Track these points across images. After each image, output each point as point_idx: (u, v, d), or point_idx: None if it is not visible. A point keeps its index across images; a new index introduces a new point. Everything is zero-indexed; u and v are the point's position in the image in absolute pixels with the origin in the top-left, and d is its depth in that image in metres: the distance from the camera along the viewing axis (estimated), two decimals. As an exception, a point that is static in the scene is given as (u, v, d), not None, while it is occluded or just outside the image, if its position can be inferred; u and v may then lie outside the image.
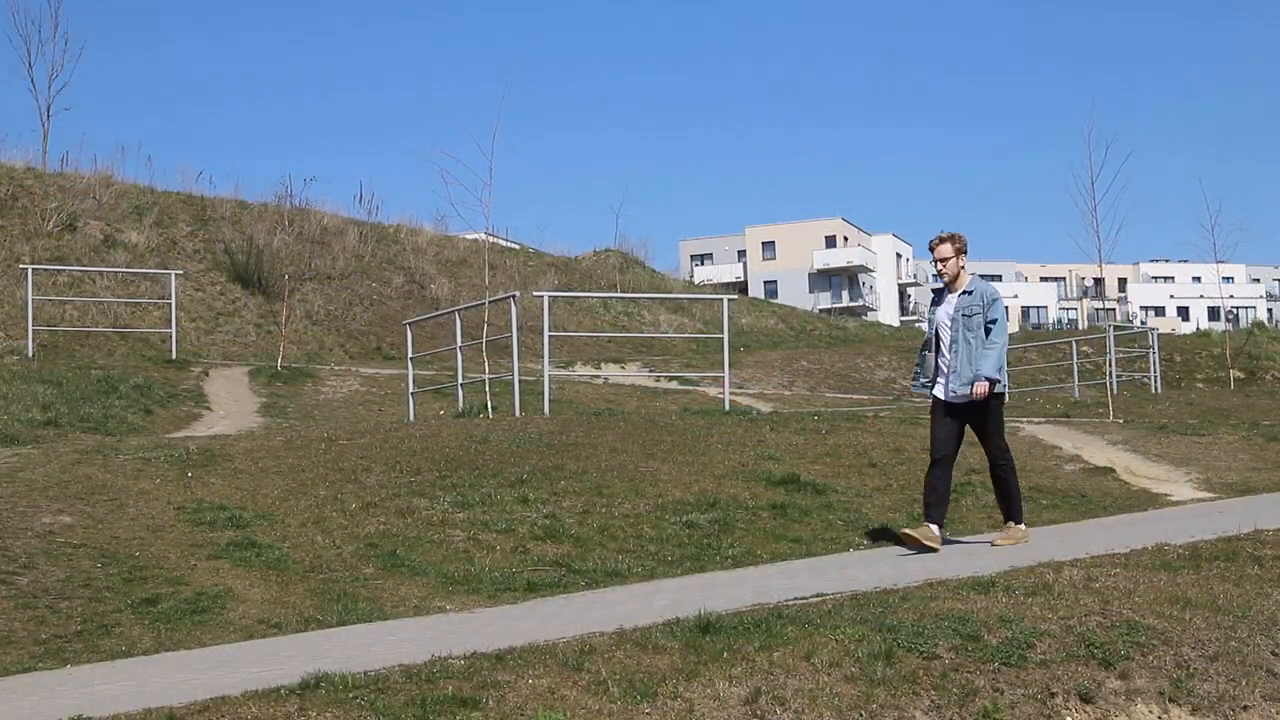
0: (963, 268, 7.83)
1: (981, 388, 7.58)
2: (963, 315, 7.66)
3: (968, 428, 7.89)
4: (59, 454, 9.89)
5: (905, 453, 11.34)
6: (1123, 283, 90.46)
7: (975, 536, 8.57)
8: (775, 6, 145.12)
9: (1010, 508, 7.96)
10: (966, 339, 7.64)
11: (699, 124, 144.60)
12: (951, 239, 7.78)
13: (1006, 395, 7.80)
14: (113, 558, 7.50)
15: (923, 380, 7.98)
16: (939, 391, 7.81)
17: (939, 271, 7.79)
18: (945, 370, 7.78)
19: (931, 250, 7.85)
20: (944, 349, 7.78)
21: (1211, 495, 10.32)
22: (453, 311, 16.73)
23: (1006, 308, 8.59)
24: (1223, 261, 26.17)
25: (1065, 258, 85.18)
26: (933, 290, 7.96)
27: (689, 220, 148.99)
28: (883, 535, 8.77)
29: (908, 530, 7.78)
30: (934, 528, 7.68)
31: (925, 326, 7.91)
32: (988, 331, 7.63)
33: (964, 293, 7.76)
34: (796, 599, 5.95)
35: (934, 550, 7.57)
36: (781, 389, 22.75)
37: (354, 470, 9.72)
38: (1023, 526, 7.95)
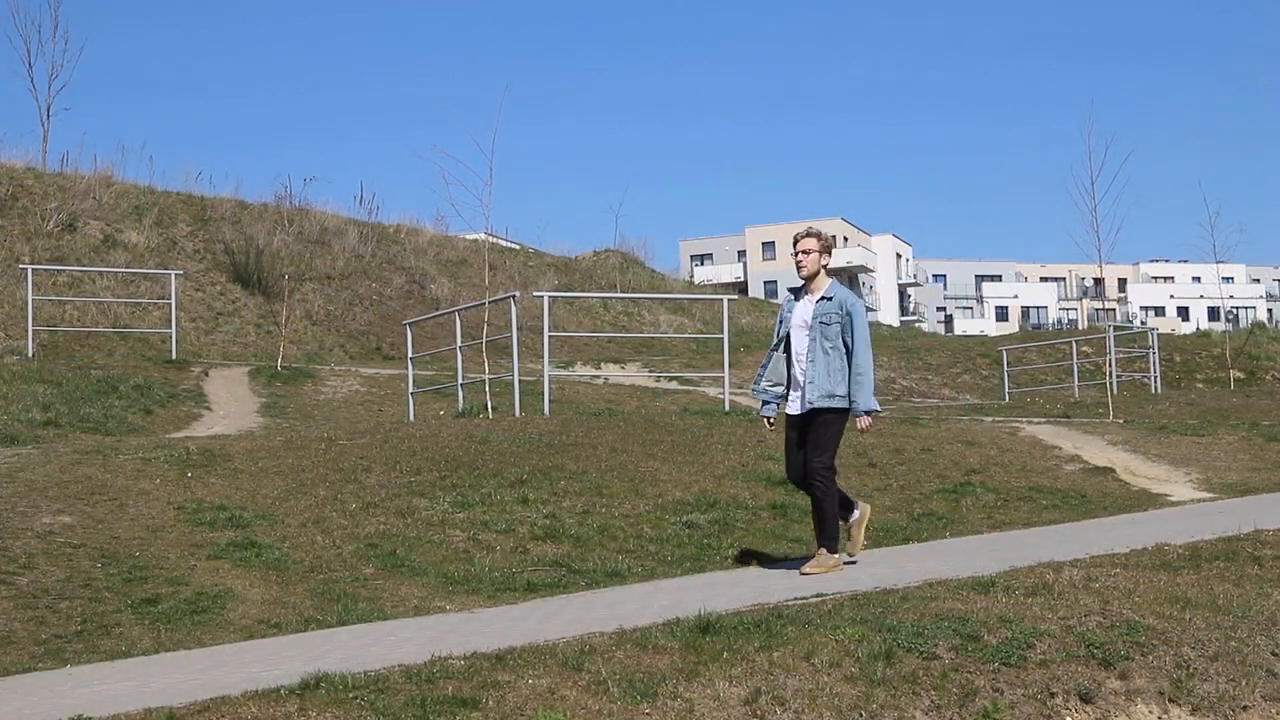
0: (824, 267, 7.13)
1: (865, 422, 6.96)
2: (819, 322, 6.98)
3: None
4: (59, 454, 9.89)
5: (905, 453, 11.35)
6: (1123, 283, 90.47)
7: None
8: (775, 6, 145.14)
9: (823, 532, 7.11)
10: (824, 349, 6.95)
11: (699, 123, 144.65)
12: (818, 235, 7.19)
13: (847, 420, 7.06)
14: (113, 558, 7.50)
15: (766, 384, 7.21)
16: (793, 408, 7.11)
17: (798, 264, 7.13)
18: (800, 381, 7.06)
19: (795, 243, 7.19)
20: (797, 356, 7.09)
21: (1211, 495, 10.32)
22: (453, 311, 16.73)
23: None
24: (1222, 261, 26.15)
25: (1065, 258, 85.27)
26: (790, 290, 7.30)
27: (689, 220, 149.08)
28: (884, 536, 8.78)
29: (809, 568, 7.05)
30: (828, 553, 7.10)
31: (778, 325, 7.23)
32: (848, 350, 6.96)
33: (823, 298, 7.07)
34: (796, 599, 5.95)
35: (838, 569, 7.07)
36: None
37: (354, 470, 9.72)
38: (837, 556, 7.12)
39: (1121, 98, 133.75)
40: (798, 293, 7.21)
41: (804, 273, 7.11)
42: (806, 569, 7.02)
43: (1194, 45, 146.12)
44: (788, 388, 7.16)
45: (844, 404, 6.95)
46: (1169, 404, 18.05)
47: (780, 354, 7.18)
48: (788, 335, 7.15)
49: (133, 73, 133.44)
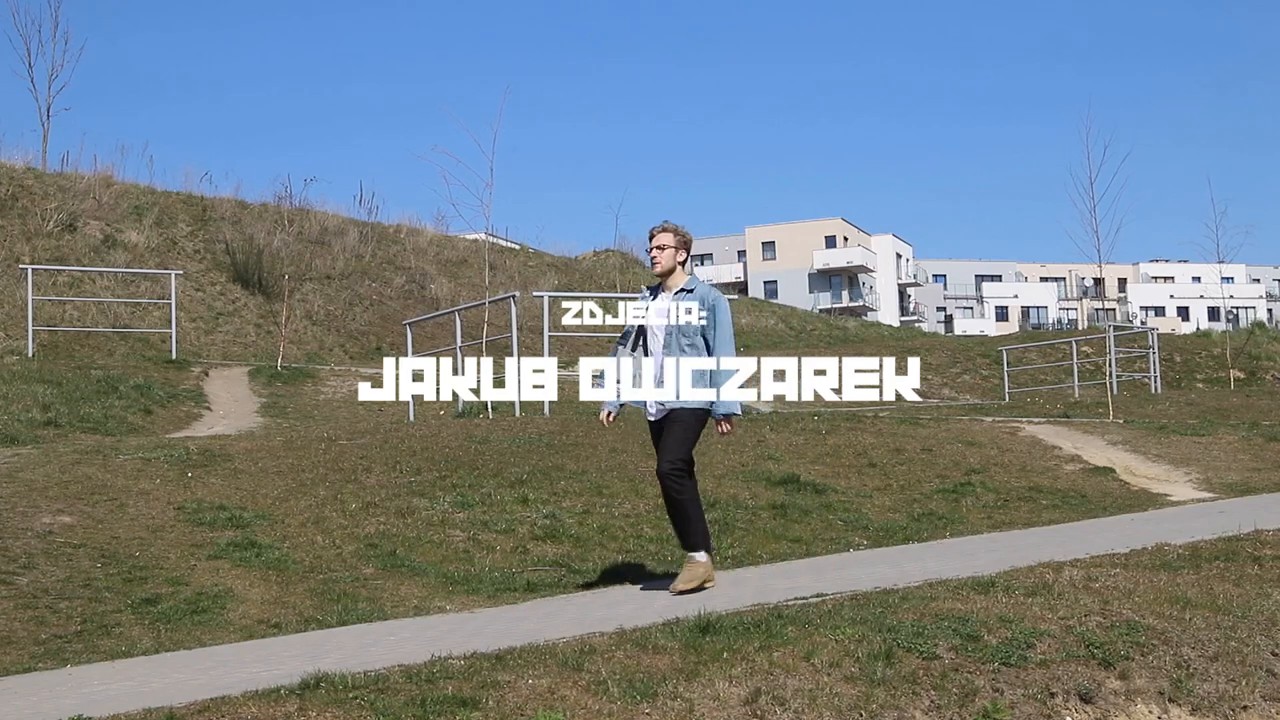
0: (682, 264, 6.72)
1: (725, 426, 6.59)
2: (678, 319, 6.60)
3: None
4: (59, 454, 9.89)
5: (905, 453, 11.35)
6: (1123, 283, 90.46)
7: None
8: (776, 6, 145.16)
9: (686, 536, 6.58)
10: (682, 347, 6.56)
11: (699, 123, 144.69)
12: (675, 230, 6.74)
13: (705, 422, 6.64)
14: (113, 558, 7.50)
15: None
16: (651, 411, 6.68)
17: (652, 260, 6.73)
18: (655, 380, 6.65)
19: (651, 237, 6.75)
20: (653, 356, 6.65)
21: (1211, 495, 10.32)
22: (453, 311, 16.74)
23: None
24: (1225, 261, 26.17)
25: (1065, 258, 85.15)
26: (648, 288, 6.88)
27: (689, 220, 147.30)
28: (884, 536, 8.78)
29: (681, 585, 6.54)
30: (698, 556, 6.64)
31: (631, 320, 6.78)
32: (709, 348, 6.58)
33: (682, 291, 6.64)
34: (796, 599, 5.95)
35: (711, 582, 6.61)
36: (781, 389, 22.71)
37: (354, 470, 9.72)
38: (702, 557, 6.57)
39: (1121, 98, 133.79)
40: (654, 290, 6.79)
41: (659, 269, 6.70)
42: (678, 585, 6.50)
43: (1194, 45, 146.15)
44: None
45: (702, 403, 6.54)
46: (1169, 404, 18.05)
47: (626, 350, 6.74)
48: (640, 333, 6.70)
49: (133, 73, 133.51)
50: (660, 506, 9.07)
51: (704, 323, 6.58)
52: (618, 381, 6.71)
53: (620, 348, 6.79)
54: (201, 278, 24.44)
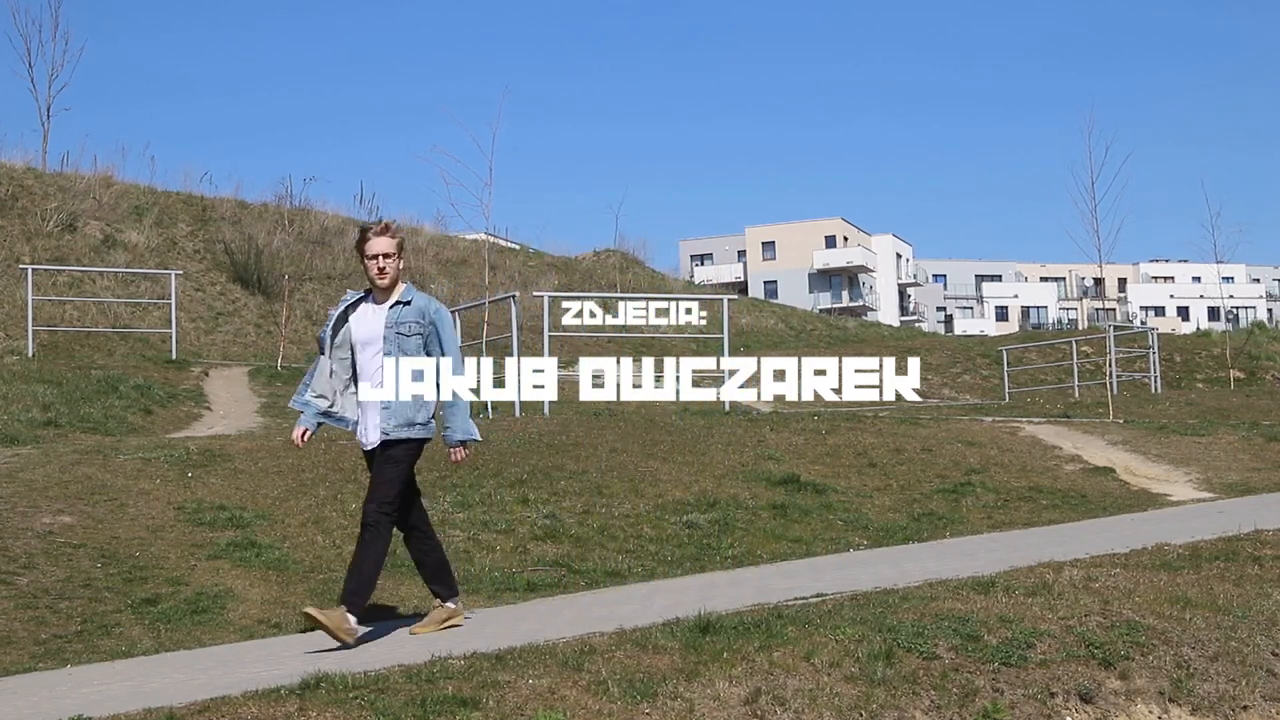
0: (402, 270, 5.96)
1: (461, 454, 5.94)
2: (397, 333, 5.78)
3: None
4: (59, 454, 9.88)
5: (905, 453, 11.35)
6: (1123, 283, 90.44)
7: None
8: (776, 6, 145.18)
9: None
10: (401, 368, 5.77)
11: (699, 124, 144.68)
12: (397, 233, 5.94)
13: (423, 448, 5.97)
14: (113, 558, 7.50)
15: (311, 395, 5.91)
16: (367, 439, 5.88)
17: (380, 270, 5.80)
18: (363, 404, 5.86)
19: (364, 240, 5.85)
20: (364, 373, 5.83)
21: (1211, 495, 10.33)
22: (453, 311, 16.74)
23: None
24: (1223, 261, 26.16)
25: (1065, 258, 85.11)
26: (351, 295, 6.03)
27: (689, 220, 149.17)
28: (884, 536, 8.78)
29: (418, 628, 6.00)
30: (448, 604, 6.07)
31: (326, 329, 5.92)
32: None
33: (398, 303, 5.84)
34: (796, 599, 5.95)
35: (459, 619, 6.03)
36: (781, 389, 22.72)
37: (354, 470, 9.71)
38: (452, 604, 6.02)
39: (1121, 98, 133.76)
40: (363, 298, 5.95)
41: (386, 280, 5.84)
42: (417, 628, 5.95)
43: (1194, 45, 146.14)
44: (332, 406, 5.91)
45: (425, 433, 5.85)
46: (1169, 404, 18.06)
47: (329, 362, 5.89)
48: (345, 346, 5.89)
49: (133, 73, 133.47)
50: (660, 506, 9.09)
51: (425, 336, 5.81)
52: (318, 396, 5.89)
53: (321, 360, 5.93)
54: (201, 278, 24.44)
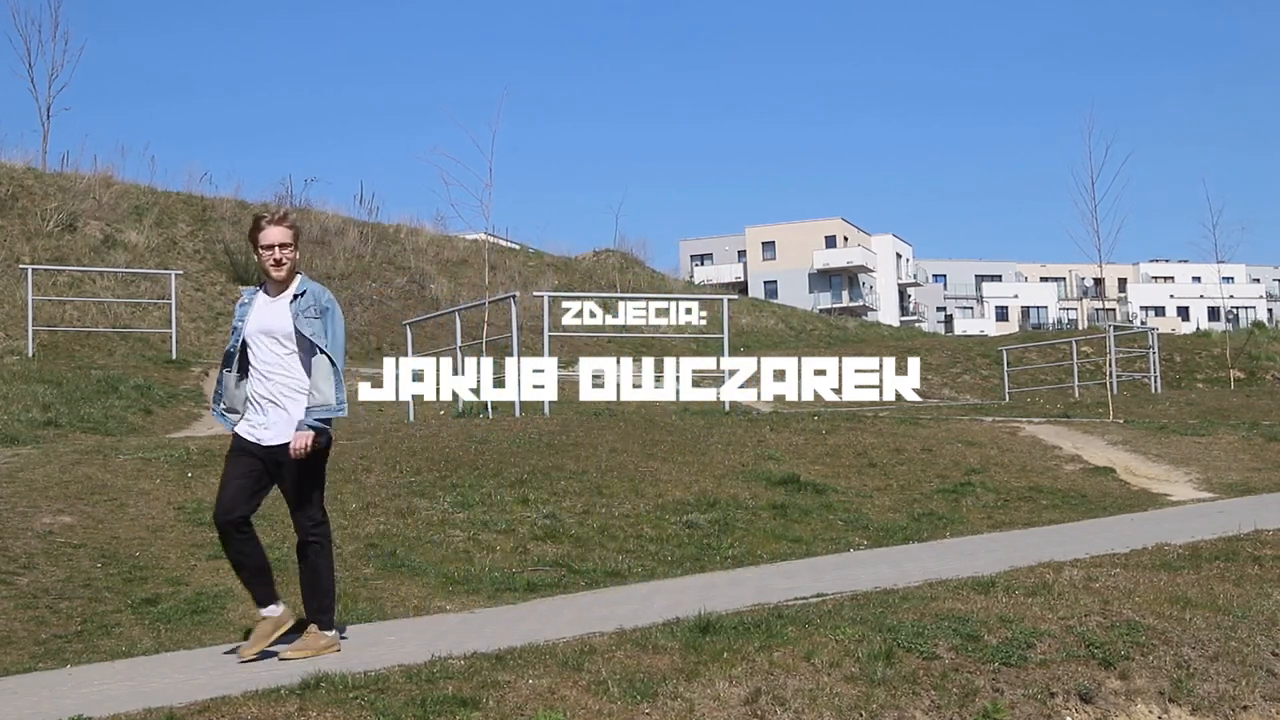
0: (297, 261, 5.67)
1: (304, 440, 5.46)
2: (306, 322, 5.55)
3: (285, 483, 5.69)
4: (59, 454, 9.88)
5: (905, 453, 11.35)
6: (1123, 283, 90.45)
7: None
8: (775, 6, 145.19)
9: (318, 604, 5.60)
10: (300, 361, 5.56)
11: (699, 124, 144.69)
12: (294, 223, 5.68)
13: (332, 447, 5.74)
14: (113, 558, 7.50)
15: (223, 406, 5.74)
16: (247, 431, 5.62)
17: (275, 261, 5.53)
18: (259, 401, 5.59)
19: (258, 230, 5.59)
20: (269, 372, 5.56)
21: (1211, 495, 10.33)
22: (453, 311, 16.75)
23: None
24: (1224, 261, 26.15)
25: (1065, 258, 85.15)
26: (246, 290, 5.84)
27: (689, 220, 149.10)
28: (884, 536, 8.78)
29: (248, 650, 5.51)
30: (274, 607, 5.62)
31: (231, 338, 5.70)
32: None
33: (299, 295, 5.59)
34: (796, 599, 5.95)
35: (287, 627, 5.60)
36: (781, 389, 22.74)
37: (354, 470, 9.72)
38: (332, 633, 5.62)
39: (1121, 98, 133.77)
40: (259, 290, 5.73)
41: (283, 272, 5.58)
42: (288, 652, 5.47)
43: (1194, 45, 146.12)
44: (243, 407, 5.67)
45: (331, 426, 5.60)
46: (1169, 404, 18.06)
47: (232, 373, 5.66)
48: (244, 347, 5.62)
49: (133, 73, 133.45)
50: (660, 506, 9.08)
51: (319, 329, 5.54)
52: (229, 410, 5.71)
53: (226, 372, 5.69)
54: (201, 278, 24.45)
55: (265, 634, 5.53)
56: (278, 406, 5.54)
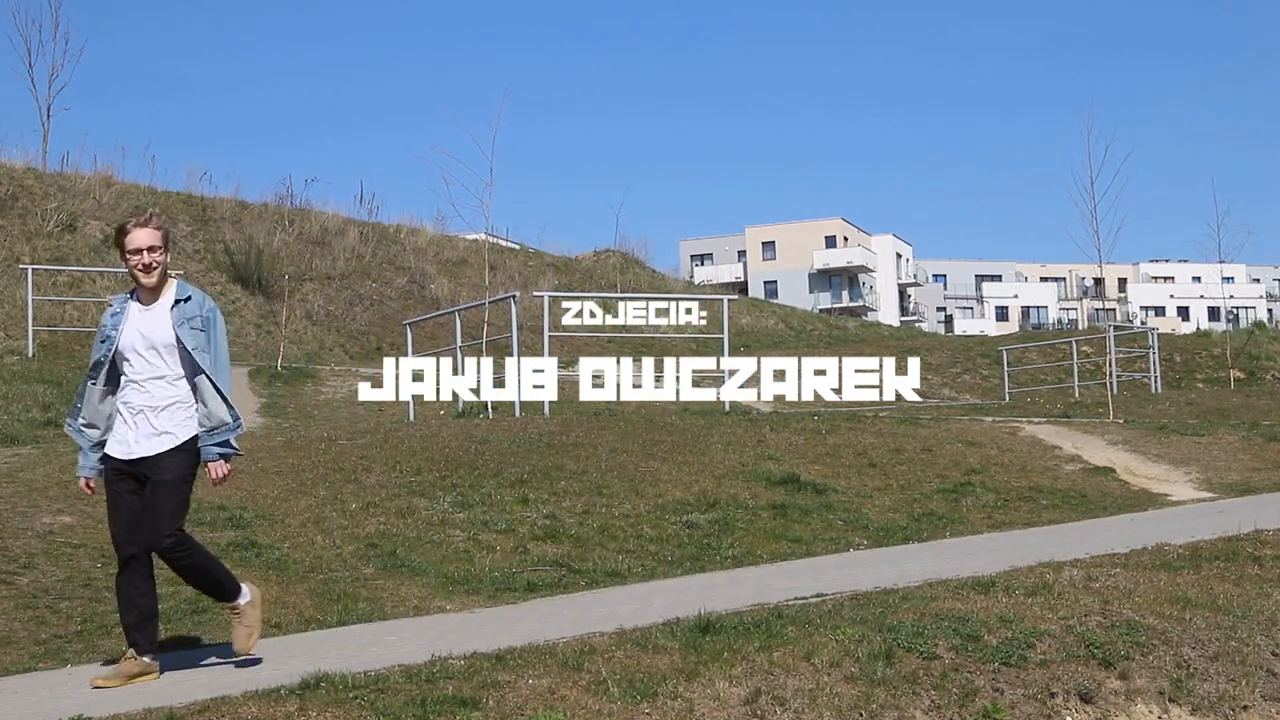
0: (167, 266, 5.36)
1: (221, 470, 5.18)
2: (191, 330, 5.22)
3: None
4: (59, 454, 9.88)
5: (905, 453, 11.35)
6: (1123, 283, 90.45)
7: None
8: (775, 6, 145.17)
9: (219, 582, 5.38)
10: (177, 373, 5.21)
11: (699, 124, 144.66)
12: (162, 225, 5.35)
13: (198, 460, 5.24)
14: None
15: (82, 421, 5.27)
16: (118, 449, 5.17)
17: (145, 266, 5.21)
18: (132, 412, 5.18)
19: (124, 235, 5.26)
20: (132, 383, 5.20)
21: (1211, 495, 10.33)
22: (453, 311, 16.76)
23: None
24: (1226, 261, 26.15)
25: (1065, 258, 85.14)
26: (116, 298, 5.49)
27: (689, 220, 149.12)
28: (884, 536, 8.77)
29: (101, 679, 5.05)
30: (144, 658, 5.19)
31: (100, 345, 5.40)
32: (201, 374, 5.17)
33: (180, 301, 5.26)
34: (796, 599, 5.95)
35: (152, 677, 5.13)
36: (781, 389, 22.75)
37: (354, 470, 9.72)
38: (246, 597, 5.41)
39: (1121, 98, 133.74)
40: (130, 296, 5.41)
41: (154, 278, 5.25)
42: (247, 645, 5.36)
43: (1194, 45, 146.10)
44: (103, 434, 5.25)
45: (194, 447, 5.18)
46: (1169, 404, 18.06)
47: (97, 387, 5.28)
48: (114, 360, 5.29)
49: (133, 73, 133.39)
50: (660, 506, 9.08)
51: (203, 343, 5.23)
52: (88, 425, 5.28)
53: (91, 385, 5.31)
54: (201, 278, 24.45)
55: (127, 673, 5.09)
56: (153, 416, 5.16)
